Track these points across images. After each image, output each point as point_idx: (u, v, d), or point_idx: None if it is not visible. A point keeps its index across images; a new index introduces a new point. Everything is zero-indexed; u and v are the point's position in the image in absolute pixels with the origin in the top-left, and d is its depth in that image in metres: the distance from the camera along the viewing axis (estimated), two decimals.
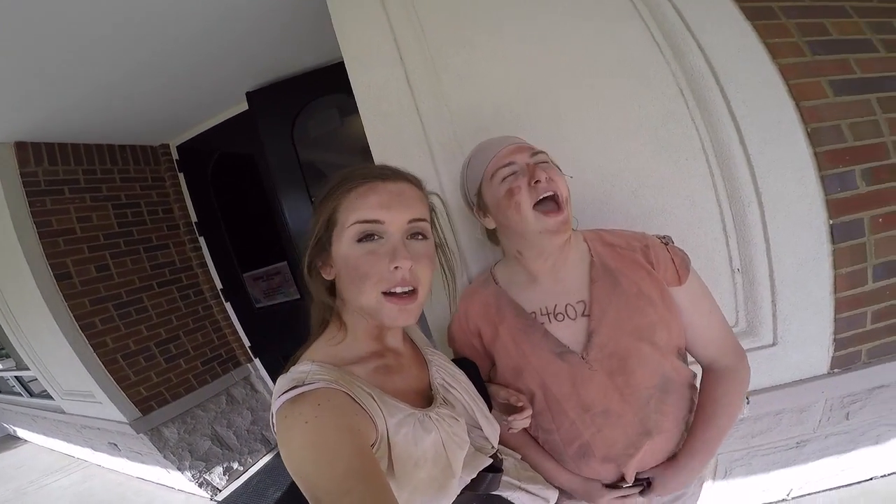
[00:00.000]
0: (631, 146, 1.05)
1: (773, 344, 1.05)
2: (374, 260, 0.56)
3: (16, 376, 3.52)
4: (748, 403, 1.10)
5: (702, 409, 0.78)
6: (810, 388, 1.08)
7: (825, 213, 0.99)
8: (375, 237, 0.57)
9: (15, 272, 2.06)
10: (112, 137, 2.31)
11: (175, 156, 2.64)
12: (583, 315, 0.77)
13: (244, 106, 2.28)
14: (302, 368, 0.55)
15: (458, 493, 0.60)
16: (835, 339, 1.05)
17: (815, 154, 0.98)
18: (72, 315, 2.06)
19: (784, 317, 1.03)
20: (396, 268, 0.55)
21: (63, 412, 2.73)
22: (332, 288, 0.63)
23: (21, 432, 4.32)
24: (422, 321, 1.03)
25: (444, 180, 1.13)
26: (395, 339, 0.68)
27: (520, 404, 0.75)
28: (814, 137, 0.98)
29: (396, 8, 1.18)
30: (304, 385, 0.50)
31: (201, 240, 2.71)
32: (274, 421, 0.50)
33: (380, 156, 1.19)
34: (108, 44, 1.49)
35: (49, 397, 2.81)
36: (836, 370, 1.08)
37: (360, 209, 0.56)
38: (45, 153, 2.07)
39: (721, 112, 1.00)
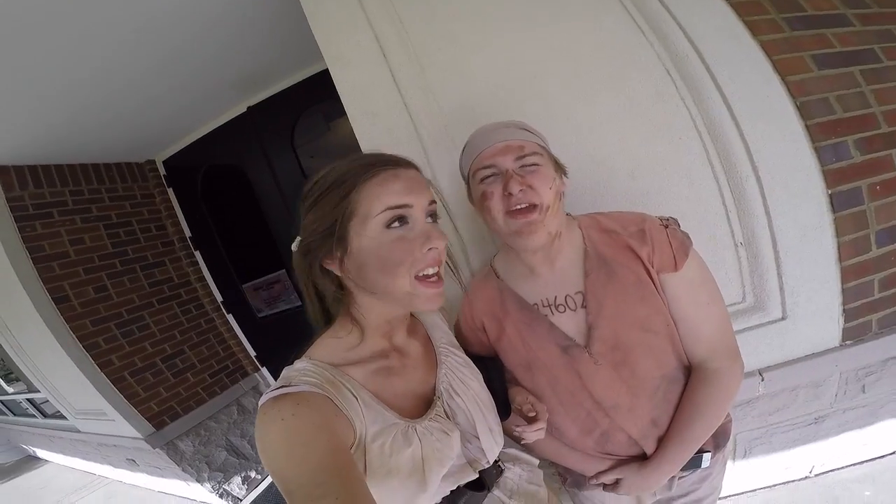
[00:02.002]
0: (623, 129, 1.04)
1: (783, 318, 1.05)
2: (406, 245, 0.55)
3: (28, 399, 3.52)
4: (762, 381, 1.10)
5: (681, 411, 0.75)
6: (823, 362, 1.08)
7: (823, 183, 0.98)
8: (403, 222, 0.56)
9: (13, 298, 2.05)
10: (96, 156, 2.27)
11: (162, 171, 2.61)
12: (581, 307, 0.75)
13: (226, 117, 2.28)
14: (297, 367, 0.57)
15: (438, 501, 0.60)
16: (844, 310, 1.05)
17: (807, 127, 0.98)
18: (75, 336, 2.06)
19: (791, 289, 1.03)
20: (431, 249, 0.56)
21: (78, 431, 2.75)
22: (338, 283, 0.62)
23: (41, 453, 4.35)
24: None
25: (440, 175, 1.13)
26: (400, 338, 0.68)
27: (531, 414, 0.71)
28: (803, 110, 0.98)
29: (374, 5, 1.16)
30: (289, 386, 0.52)
31: (197, 254, 2.70)
32: (257, 415, 0.51)
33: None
34: (88, 61, 1.47)
35: (63, 417, 2.83)
36: (847, 342, 1.08)
37: (387, 195, 0.55)
38: (29, 176, 2.04)
39: (710, 90, 1.00)
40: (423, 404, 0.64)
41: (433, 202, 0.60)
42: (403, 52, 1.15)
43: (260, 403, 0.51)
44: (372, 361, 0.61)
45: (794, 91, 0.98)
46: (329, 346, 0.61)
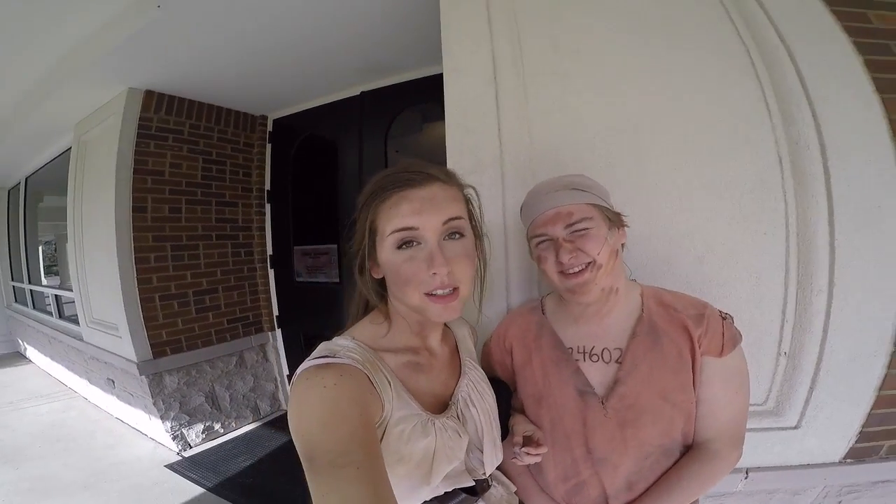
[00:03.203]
0: (710, 207, 1.03)
1: (796, 427, 1.03)
2: (413, 266, 0.60)
3: (55, 295, 3.87)
4: (745, 478, 1.05)
5: (663, 479, 0.78)
6: (815, 474, 1.05)
7: None
8: (414, 243, 0.61)
9: (101, 199, 2.39)
10: (223, 100, 2.68)
11: (270, 127, 3.00)
12: (616, 362, 0.80)
13: (340, 96, 2.61)
14: (340, 342, 0.62)
15: (428, 499, 0.63)
16: (861, 432, 1.01)
17: None
18: (133, 246, 2.32)
19: (817, 403, 1.00)
20: (434, 273, 0.59)
21: (81, 339, 2.95)
22: (382, 282, 0.69)
23: (30, 352, 4.65)
24: None
25: (510, 203, 1.16)
26: (434, 340, 0.74)
27: (539, 440, 0.77)
28: None
29: (501, 27, 1.22)
30: (334, 357, 0.56)
31: (267, 207, 3.00)
32: (295, 380, 0.55)
33: (454, 166, 1.18)
34: (251, 26, 1.80)
35: (76, 322, 3.06)
36: (848, 460, 1.04)
37: (395, 218, 0.60)
38: (165, 103, 2.44)
39: (817, 188, 0.97)
40: (440, 405, 0.69)
41: (454, 219, 0.62)
42: (514, 77, 1.19)
43: (301, 369, 0.56)
44: (404, 354, 0.67)
45: None
46: (369, 330, 0.67)
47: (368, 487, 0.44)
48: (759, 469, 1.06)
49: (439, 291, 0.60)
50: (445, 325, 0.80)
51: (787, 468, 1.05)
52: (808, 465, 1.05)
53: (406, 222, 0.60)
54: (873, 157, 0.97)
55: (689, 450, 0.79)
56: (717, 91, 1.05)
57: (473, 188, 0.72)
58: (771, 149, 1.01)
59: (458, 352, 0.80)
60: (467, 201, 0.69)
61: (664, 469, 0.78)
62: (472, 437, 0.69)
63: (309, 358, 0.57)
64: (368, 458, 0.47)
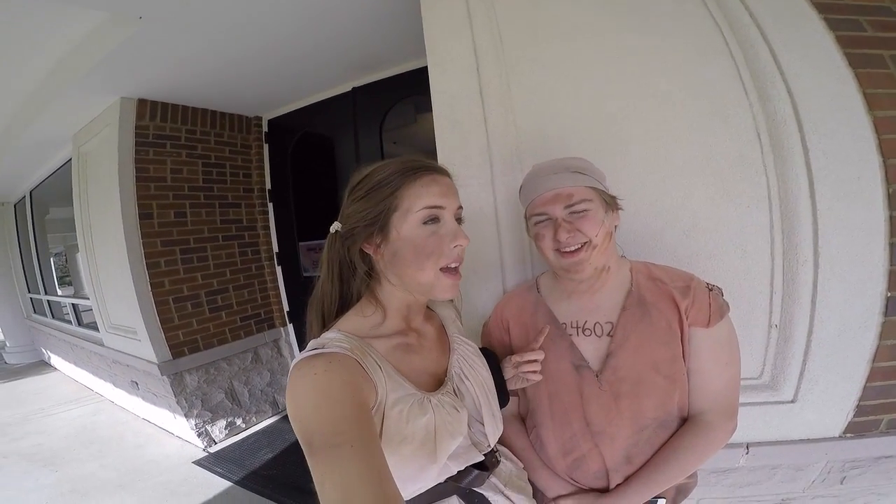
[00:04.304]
0: (693, 184, 1.08)
1: (792, 401, 1.06)
2: (437, 240, 0.67)
3: (73, 304, 4.04)
4: (746, 454, 1.09)
5: (659, 452, 0.82)
6: (815, 449, 1.08)
7: (884, 284, 0.98)
8: (437, 220, 0.68)
9: (107, 207, 2.48)
10: (216, 104, 2.76)
11: (265, 128, 3.08)
12: (607, 335, 0.85)
13: (332, 93, 2.67)
14: (327, 336, 0.66)
15: (442, 480, 0.67)
16: (858, 406, 1.04)
17: (891, 218, 0.97)
18: (143, 252, 2.43)
19: (811, 377, 1.04)
20: (456, 246, 0.68)
21: (102, 345, 3.10)
22: (370, 267, 0.73)
23: (55, 360, 4.86)
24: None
25: (499, 191, 1.22)
26: (418, 321, 0.79)
27: (535, 348, 0.84)
28: (892, 199, 0.97)
29: (481, 19, 1.26)
30: (323, 348, 0.60)
31: (270, 206, 3.11)
32: (289, 374, 0.59)
33: (445, 159, 1.29)
34: (238, 30, 1.86)
35: (95, 329, 3.21)
36: (848, 435, 1.07)
37: (427, 196, 0.67)
38: (159, 110, 2.52)
39: (796, 161, 1.00)
40: (435, 382, 0.73)
41: (461, 208, 0.73)
42: (496, 68, 1.23)
43: (293, 363, 0.59)
44: (393, 338, 0.71)
45: (890, 176, 0.97)
46: (355, 321, 0.70)
47: (363, 463, 0.47)
48: (759, 444, 1.10)
49: (454, 265, 0.69)
50: (428, 307, 0.86)
51: (788, 443, 1.09)
52: (809, 440, 1.08)
53: (437, 201, 0.68)
54: (850, 130, 0.99)
55: (684, 423, 0.83)
56: (693, 71, 1.09)
57: None
58: (749, 125, 1.05)
59: (444, 331, 0.84)
60: None
61: (661, 442, 0.82)
62: (470, 410, 0.73)
63: (299, 354, 0.62)
64: (362, 436, 0.50)
